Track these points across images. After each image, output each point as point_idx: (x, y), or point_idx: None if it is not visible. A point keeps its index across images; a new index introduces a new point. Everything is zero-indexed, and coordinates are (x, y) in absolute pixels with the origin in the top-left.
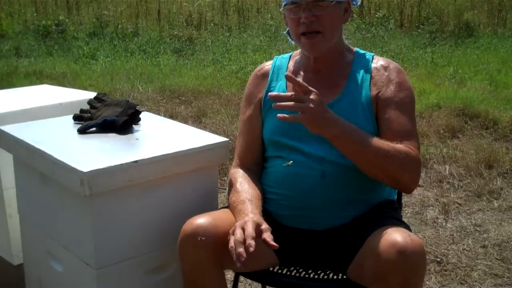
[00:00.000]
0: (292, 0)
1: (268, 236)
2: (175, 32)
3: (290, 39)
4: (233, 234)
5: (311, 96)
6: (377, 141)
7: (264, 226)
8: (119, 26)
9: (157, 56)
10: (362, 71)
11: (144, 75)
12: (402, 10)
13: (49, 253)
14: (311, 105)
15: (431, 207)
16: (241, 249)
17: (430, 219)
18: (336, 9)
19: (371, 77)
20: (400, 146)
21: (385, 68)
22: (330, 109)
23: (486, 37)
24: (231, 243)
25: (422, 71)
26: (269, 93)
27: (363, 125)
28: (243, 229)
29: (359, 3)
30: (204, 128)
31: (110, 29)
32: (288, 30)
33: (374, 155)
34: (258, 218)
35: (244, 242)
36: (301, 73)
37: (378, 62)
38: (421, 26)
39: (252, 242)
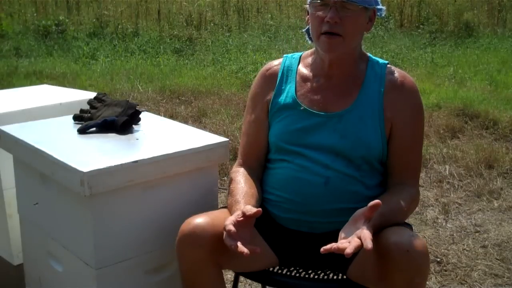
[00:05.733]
0: None
1: (247, 210)
2: (175, 32)
3: (307, 38)
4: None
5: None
6: (394, 210)
7: (246, 208)
8: (119, 26)
9: (157, 56)
10: (375, 83)
11: (144, 75)
12: (402, 10)
13: (49, 253)
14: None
15: (431, 207)
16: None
17: (430, 219)
18: (362, 15)
19: (385, 91)
20: (407, 196)
21: (401, 85)
22: (340, 118)
23: (486, 37)
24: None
25: (422, 71)
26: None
27: (371, 139)
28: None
29: (383, 14)
30: (204, 128)
31: (110, 29)
32: (308, 28)
33: (394, 221)
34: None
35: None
36: (312, 77)
37: (392, 74)
38: (421, 26)
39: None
